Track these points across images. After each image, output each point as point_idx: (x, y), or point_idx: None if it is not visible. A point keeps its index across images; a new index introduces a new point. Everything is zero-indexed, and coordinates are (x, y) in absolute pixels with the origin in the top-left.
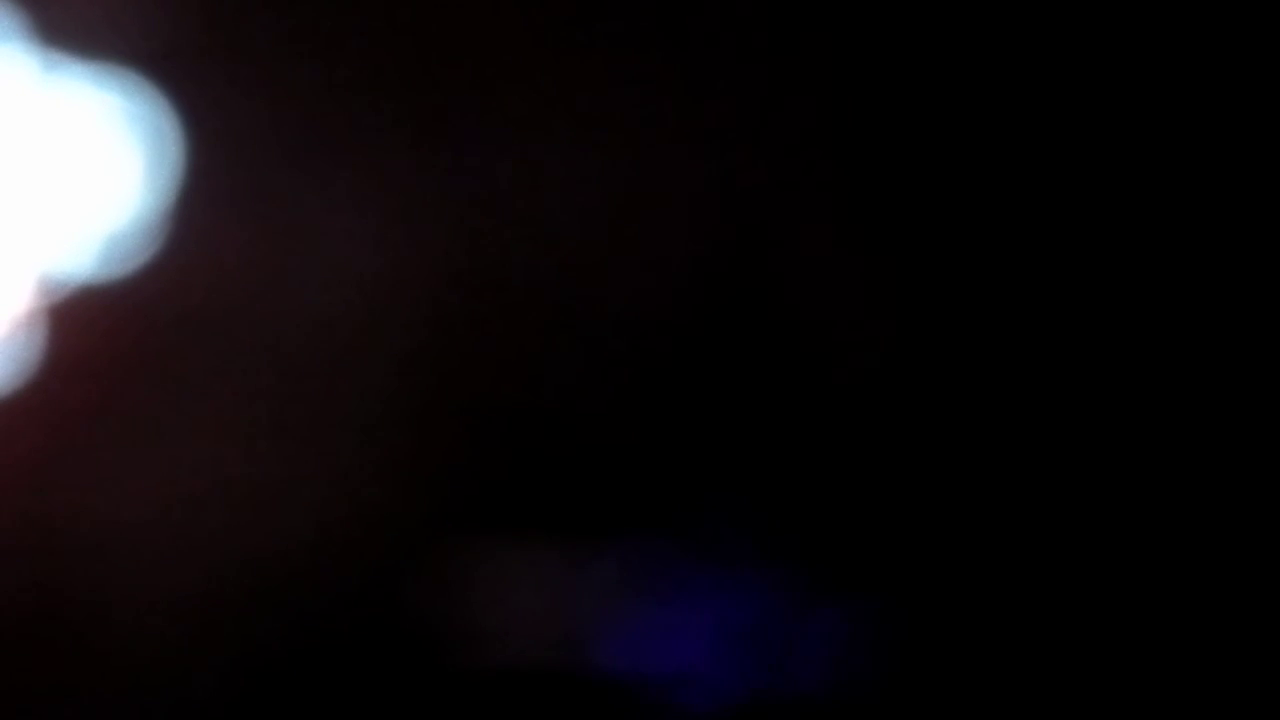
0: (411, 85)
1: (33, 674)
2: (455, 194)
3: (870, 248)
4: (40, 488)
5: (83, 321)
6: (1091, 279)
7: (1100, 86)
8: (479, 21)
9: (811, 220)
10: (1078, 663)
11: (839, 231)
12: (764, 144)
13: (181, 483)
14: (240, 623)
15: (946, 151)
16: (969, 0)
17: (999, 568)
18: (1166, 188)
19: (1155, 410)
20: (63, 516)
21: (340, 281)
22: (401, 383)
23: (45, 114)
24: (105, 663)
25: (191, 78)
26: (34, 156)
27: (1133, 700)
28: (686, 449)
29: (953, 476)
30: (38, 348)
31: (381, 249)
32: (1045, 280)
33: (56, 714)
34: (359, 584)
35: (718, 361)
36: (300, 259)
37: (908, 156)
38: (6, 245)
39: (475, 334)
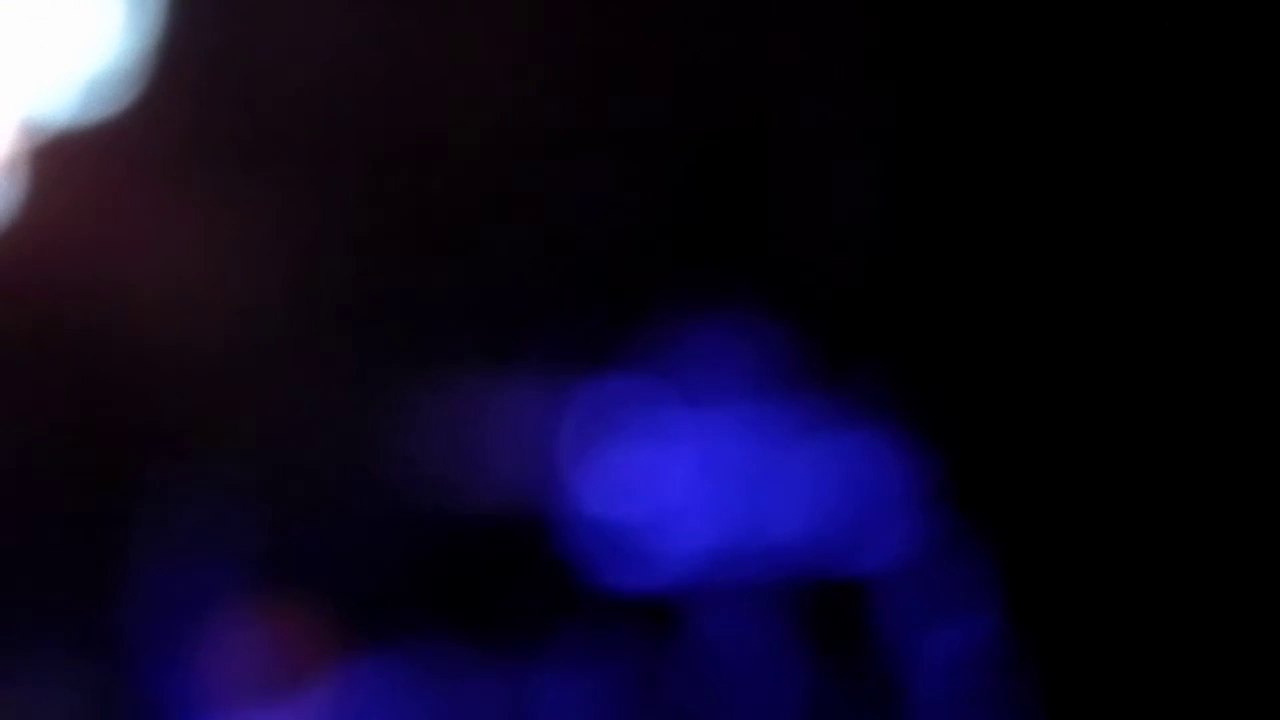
0: None
1: None
2: None
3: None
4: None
5: (63, 163)
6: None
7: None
8: None
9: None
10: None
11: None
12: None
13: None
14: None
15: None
16: None
17: (987, 408)
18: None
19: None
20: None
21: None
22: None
23: None
24: None
25: None
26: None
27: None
28: (670, 283)
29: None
30: (19, 190)
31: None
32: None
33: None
34: (329, 423)
35: (706, 198)
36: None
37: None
38: None
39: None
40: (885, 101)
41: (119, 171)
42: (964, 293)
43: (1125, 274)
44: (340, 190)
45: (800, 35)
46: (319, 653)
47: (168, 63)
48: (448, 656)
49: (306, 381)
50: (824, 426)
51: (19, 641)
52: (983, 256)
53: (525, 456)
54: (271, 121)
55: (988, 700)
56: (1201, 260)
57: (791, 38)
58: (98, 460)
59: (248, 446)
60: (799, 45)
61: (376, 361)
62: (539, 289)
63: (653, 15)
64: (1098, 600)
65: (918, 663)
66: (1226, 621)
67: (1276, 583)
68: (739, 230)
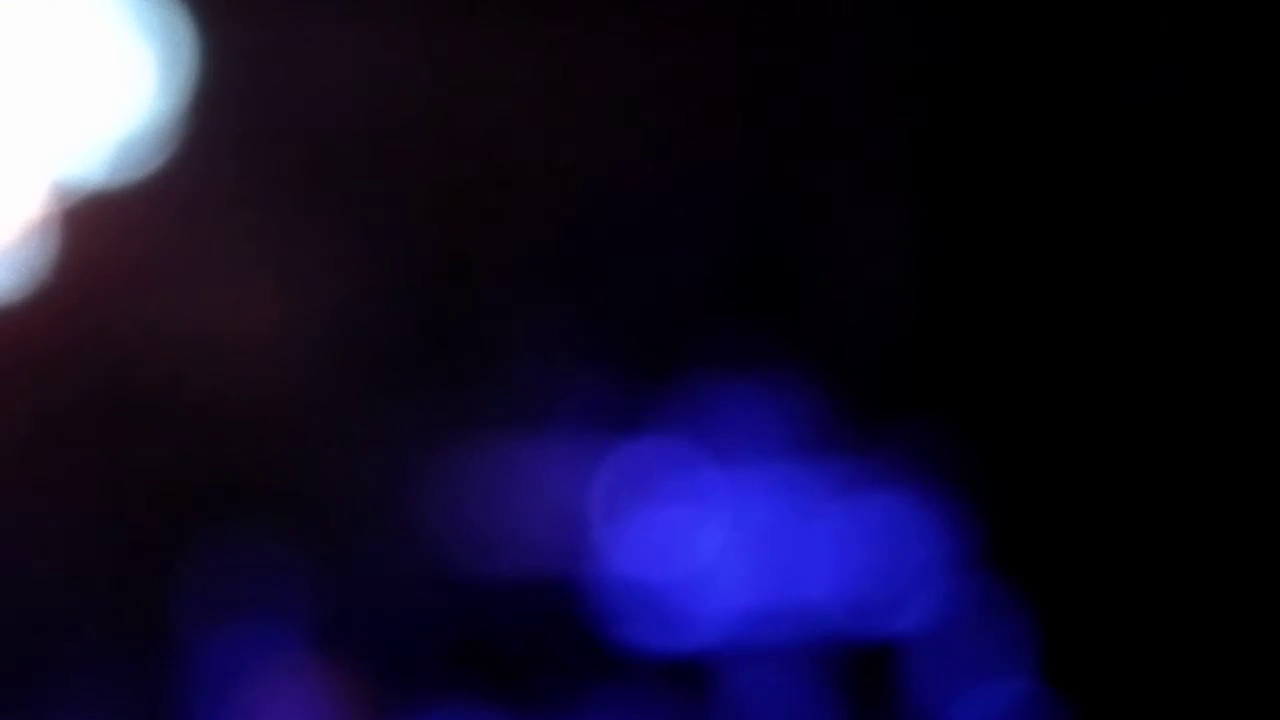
0: None
1: None
2: None
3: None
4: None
5: (94, 226)
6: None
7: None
8: None
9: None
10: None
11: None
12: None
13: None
14: None
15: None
16: None
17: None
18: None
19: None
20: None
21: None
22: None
23: (59, 18)
24: None
25: None
26: (47, 61)
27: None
28: (704, 343)
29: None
30: (50, 252)
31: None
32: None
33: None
34: (361, 489)
35: (740, 257)
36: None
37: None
38: (19, 150)
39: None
40: (920, 159)
41: (153, 231)
42: (1001, 352)
43: (1163, 332)
44: (375, 249)
45: (833, 95)
46: (351, 713)
47: (202, 119)
48: (480, 718)
49: (340, 441)
50: (858, 488)
51: (58, 698)
52: (1019, 316)
53: (557, 517)
54: (308, 174)
55: None
56: (1243, 326)
57: (825, 97)
58: (139, 519)
59: (282, 505)
60: (832, 106)
61: (410, 421)
62: (573, 348)
63: (688, 73)
64: (1136, 663)
65: None
66: (1268, 692)
67: None
68: (773, 289)
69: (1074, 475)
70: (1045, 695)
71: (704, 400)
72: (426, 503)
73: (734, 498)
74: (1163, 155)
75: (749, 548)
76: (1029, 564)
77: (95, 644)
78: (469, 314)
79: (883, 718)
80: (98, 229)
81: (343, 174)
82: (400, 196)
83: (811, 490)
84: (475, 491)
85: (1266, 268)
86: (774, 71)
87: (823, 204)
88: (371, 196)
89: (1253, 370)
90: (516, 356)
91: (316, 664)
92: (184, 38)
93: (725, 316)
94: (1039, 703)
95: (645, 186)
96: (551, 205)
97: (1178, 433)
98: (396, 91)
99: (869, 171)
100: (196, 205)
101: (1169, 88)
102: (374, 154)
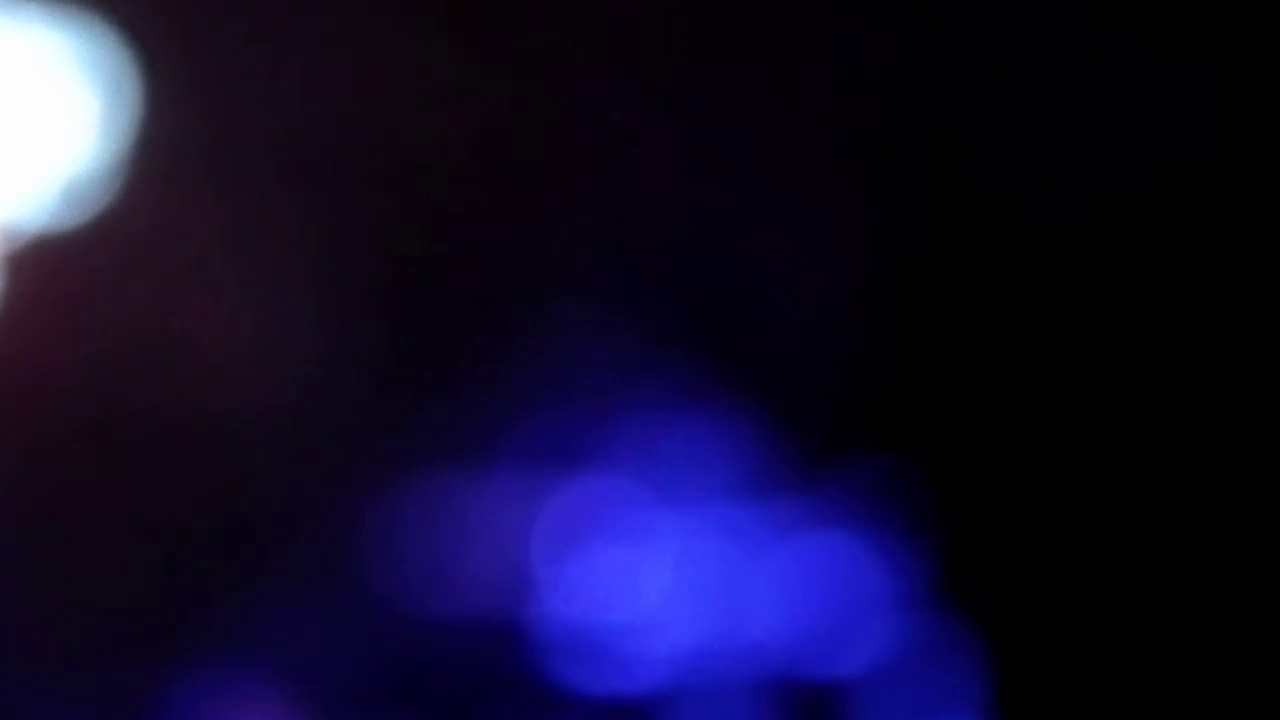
0: None
1: None
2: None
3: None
4: None
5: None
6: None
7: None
8: None
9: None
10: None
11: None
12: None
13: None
14: None
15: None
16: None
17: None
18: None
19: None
20: None
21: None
22: (357, 304)
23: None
24: None
25: (151, 22)
26: None
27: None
28: (647, 382)
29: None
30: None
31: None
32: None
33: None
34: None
35: (681, 295)
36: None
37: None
38: None
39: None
40: (866, 199)
41: (99, 273)
42: (949, 388)
43: (1115, 369)
44: (320, 287)
45: (782, 130)
46: None
47: (145, 160)
48: None
49: (276, 477)
50: (804, 526)
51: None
52: (966, 350)
53: (499, 555)
54: (258, 210)
55: None
56: (1196, 370)
57: (774, 131)
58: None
59: (217, 540)
60: (780, 140)
61: (348, 458)
62: (515, 386)
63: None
64: (1086, 701)
65: None
66: None
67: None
68: (718, 326)
69: (1023, 511)
70: None
71: (648, 439)
72: (366, 539)
73: (678, 537)
74: (1107, 189)
75: (693, 587)
76: (978, 602)
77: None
78: (407, 353)
79: None
80: (44, 271)
81: (286, 211)
82: (343, 241)
83: (757, 529)
84: (416, 528)
85: (1213, 318)
86: (717, 108)
87: (769, 242)
88: (315, 238)
89: (1205, 411)
90: (458, 394)
91: (253, 700)
92: (127, 77)
93: (670, 354)
94: None
95: (589, 219)
96: (497, 242)
97: (1129, 467)
98: (346, 121)
99: (815, 214)
100: (144, 246)
101: (1120, 119)
102: (321, 190)
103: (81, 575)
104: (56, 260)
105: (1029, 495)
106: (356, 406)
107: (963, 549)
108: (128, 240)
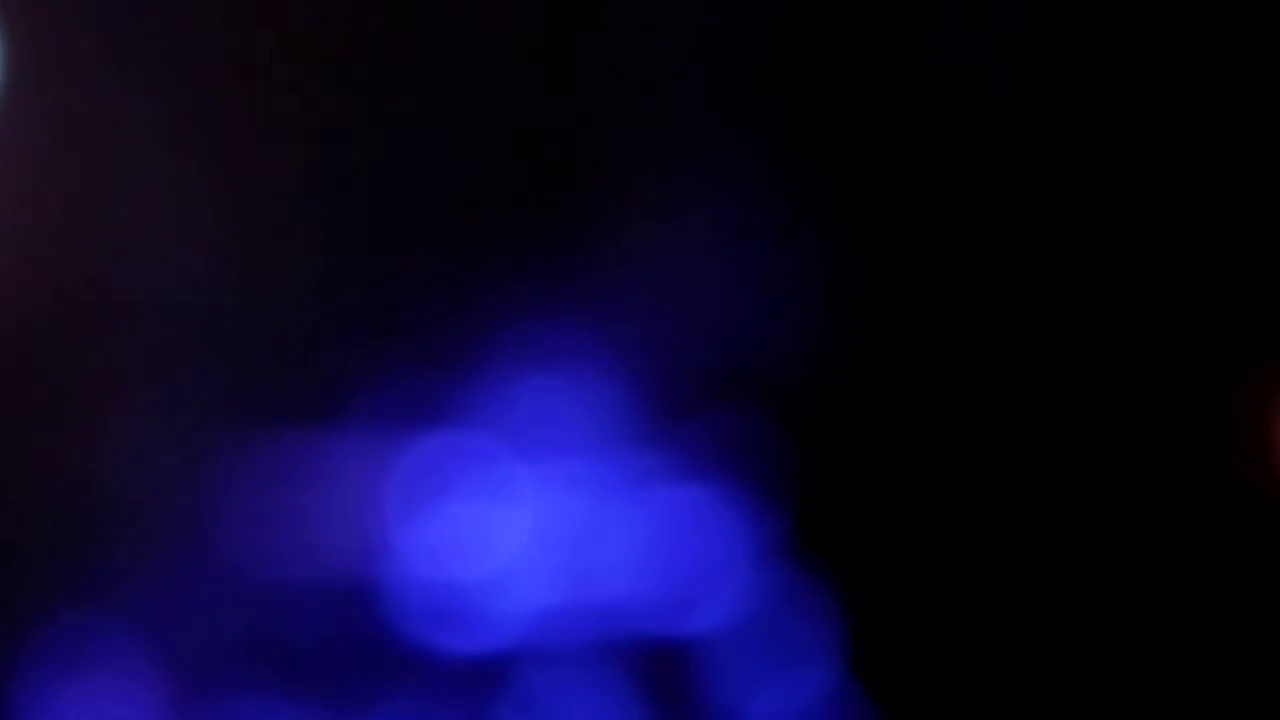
0: None
1: None
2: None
3: None
4: None
5: None
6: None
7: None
8: None
9: None
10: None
11: None
12: None
13: None
14: None
15: None
16: None
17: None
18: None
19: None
20: None
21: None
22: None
23: None
24: None
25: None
26: None
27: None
28: (500, 338)
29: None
30: None
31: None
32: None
33: None
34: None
35: (537, 250)
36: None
37: None
38: None
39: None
40: (725, 153)
41: None
42: (803, 342)
43: (972, 321)
44: (178, 241)
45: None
46: (142, 713)
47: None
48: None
49: (128, 438)
50: (657, 483)
51: None
52: (821, 303)
53: (351, 514)
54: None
55: None
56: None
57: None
58: None
59: (70, 502)
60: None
61: (199, 417)
62: (364, 344)
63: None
64: (942, 656)
65: None
66: (1083, 686)
67: (1135, 661)
68: (572, 282)
69: (877, 466)
70: (850, 689)
71: (502, 394)
72: (220, 500)
73: (532, 494)
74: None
75: (548, 544)
76: (832, 556)
77: None
78: (259, 309)
79: (684, 715)
80: None
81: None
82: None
83: (611, 486)
84: (269, 488)
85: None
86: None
87: (625, 202)
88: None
89: (1072, 362)
90: (310, 350)
91: (106, 663)
92: None
93: (524, 309)
94: (843, 697)
95: (456, 174)
96: (354, 199)
97: (988, 421)
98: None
99: (672, 168)
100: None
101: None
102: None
103: None
104: None
105: (883, 448)
106: (209, 366)
107: (817, 503)
108: None
